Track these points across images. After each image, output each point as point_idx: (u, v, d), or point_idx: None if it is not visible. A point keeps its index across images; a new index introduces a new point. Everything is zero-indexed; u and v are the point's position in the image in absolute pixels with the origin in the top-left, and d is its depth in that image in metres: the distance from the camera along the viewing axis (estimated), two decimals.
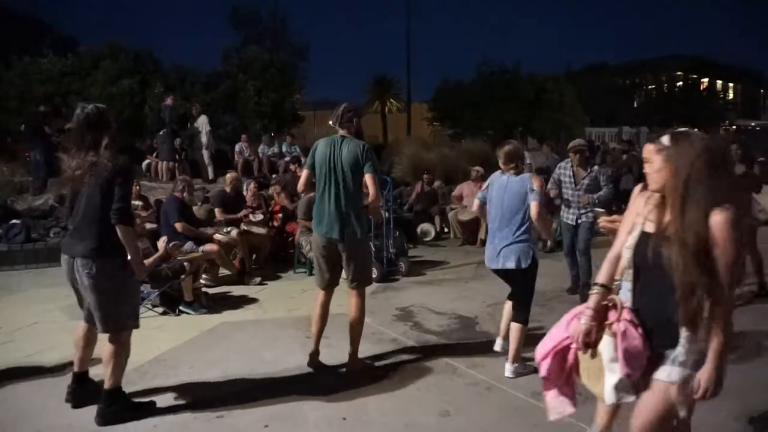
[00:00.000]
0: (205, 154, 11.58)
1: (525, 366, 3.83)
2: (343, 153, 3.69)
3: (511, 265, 3.76)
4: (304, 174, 3.92)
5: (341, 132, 3.79)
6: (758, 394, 3.44)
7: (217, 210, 6.93)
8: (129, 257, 3.08)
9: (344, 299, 4.43)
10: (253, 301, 5.79)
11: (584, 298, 5.33)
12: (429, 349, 4.32)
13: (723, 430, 3.06)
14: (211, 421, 3.22)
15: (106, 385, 3.15)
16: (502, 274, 3.94)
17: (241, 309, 5.53)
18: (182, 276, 5.33)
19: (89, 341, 3.31)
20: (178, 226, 5.83)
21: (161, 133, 11.19)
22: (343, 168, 3.68)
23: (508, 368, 3.82)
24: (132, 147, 12.37)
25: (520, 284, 3.89)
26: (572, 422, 3.14)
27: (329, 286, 3.97)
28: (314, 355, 3.96)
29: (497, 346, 4.22)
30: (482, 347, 4.36)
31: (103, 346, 3.16)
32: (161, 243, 5.53)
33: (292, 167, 9.56)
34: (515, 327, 3.84)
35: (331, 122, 3.87)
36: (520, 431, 3.10)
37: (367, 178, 3.67)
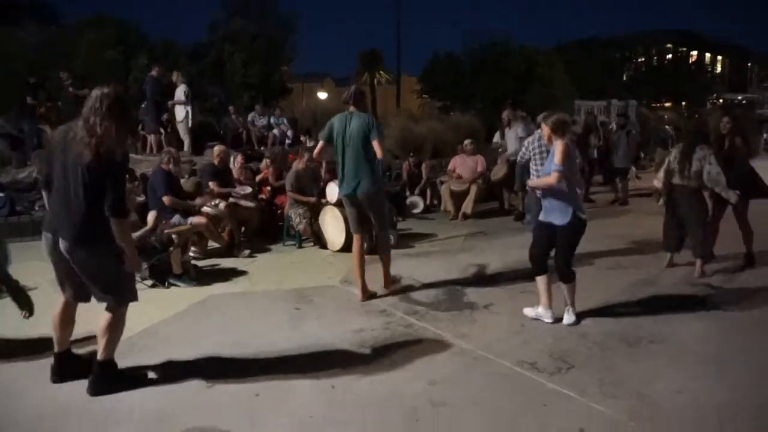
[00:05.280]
0: (180, 126, 10.83)
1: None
2: (353, 125, 4.56)
3: (553, 220, 4.15)
4: (319, 145, 4.88)
5: (351, 108, 4.65)
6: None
7: (211, 183, 6.86)
8: (124, 250, 3.05)
9: (332, 271, 4.49)
10: (242, 273, 5.81)
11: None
12: (417, 320, 4.38)
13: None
14: (202, 391, 3.26)
15: (100, 357, 3.17)
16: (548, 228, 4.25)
17: (230, 281, 5.55)
18: (171, 249, 5.33)
19: (67, 322, 3.27)
20: (166, 200, 5.79)
21: (143, 106, 10.96)
22: (354, 137, 4.55)
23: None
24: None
25: (558, 241, 4.18)
26: (557, 389, 3.23)
27: (360, 233, 4.86)
28: (363, 290, 4.79)
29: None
30: (469, 318, 4.43)
31: (100, 319, 3.17)
32: (151, 217, 5.51)
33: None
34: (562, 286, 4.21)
35: (343, 99, 4.76)
36: (506, 399, 3.17)
37: (374, 143, 4.51)
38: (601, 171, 10.78)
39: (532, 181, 4.89)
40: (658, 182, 5.56)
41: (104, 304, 3.17)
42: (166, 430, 2.83)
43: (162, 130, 10.96)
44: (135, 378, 3.35)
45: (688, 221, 5.34)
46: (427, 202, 9.60)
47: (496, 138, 10.43)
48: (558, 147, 4.05)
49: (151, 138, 10.88)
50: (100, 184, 2.92)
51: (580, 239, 4.19)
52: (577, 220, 4.06)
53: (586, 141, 10.11)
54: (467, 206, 8.71)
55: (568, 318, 4.20)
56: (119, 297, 3.16)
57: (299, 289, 5.20)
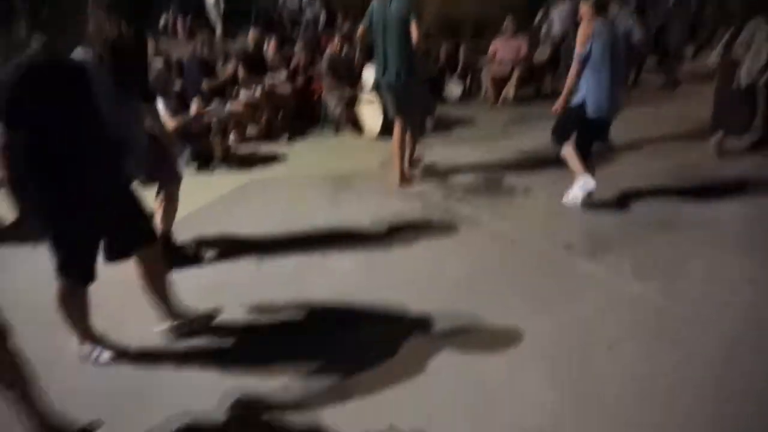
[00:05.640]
0: (211, 11, 10.77)
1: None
2: (393, 9, 4.39)
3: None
4: (360, 30, 4.78)
5: None
6: None
7: (239, 67, 6.77)
8: (159, 134, 3.13)
9: (371, 156, 4.49)
10: (281, 158, 5.89)
11: None
12: (454, 203, 4.44)
13: None
14: (250, 266, 3.49)
15: (158, 232, 3.39)
16: None
17: (270, 166, 5.65)
18: (211, 134, 5.42)
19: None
20: (204, 84, 5.79)
21: None
22: (395, 20, 4.39)
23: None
24: (147, 4, 11.84)
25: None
26: (592, 270, 3.30)
27: (401, 117, 4.76)
28: (402, 175, 4.82)
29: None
30: (507, 201, 4.46)
31: (154, 197, 3.38)
32: (194, 106, 5.55)
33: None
34: None
35: None
36: (541, 279, 3.27)
37: (413, 24, 4.35)
38: (656, 50, 10.07)
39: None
40: (715, 56, 5.27)
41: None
42: (219, 300, 3.05)
43: (189, 15, 10.69)
44: (188, 254, 3.58)
45: (734, 97, 5.08)
46: (466, 87, 9.28)
47: (539, 17, 9.80)
48: (580, 32, 3.91)
49: (180, 23, 10.65)
50: (126, 76, 2.92)
51: (582, 129, 4.16)
52: (581, 109, 4.04)
53: (643, 18, 9.38)
54: (508, 91, 8.40)
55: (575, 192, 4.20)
56: (165, 177, 3.33)
57: (338, 173, 5.28)
